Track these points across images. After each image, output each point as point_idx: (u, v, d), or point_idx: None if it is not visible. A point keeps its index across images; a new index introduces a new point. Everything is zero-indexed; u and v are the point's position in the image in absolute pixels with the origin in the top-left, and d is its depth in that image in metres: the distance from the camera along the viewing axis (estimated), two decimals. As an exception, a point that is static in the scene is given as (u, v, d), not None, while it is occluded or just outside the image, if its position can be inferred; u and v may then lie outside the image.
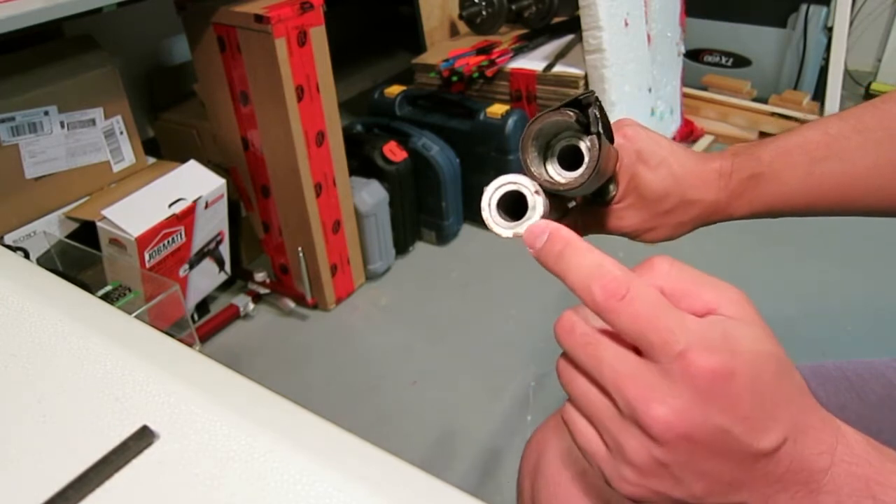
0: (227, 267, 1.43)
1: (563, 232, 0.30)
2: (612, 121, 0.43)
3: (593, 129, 0.32)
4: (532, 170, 0.34)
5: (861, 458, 0.28)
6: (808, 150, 0.46)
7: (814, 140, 0.46)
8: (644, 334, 0.27)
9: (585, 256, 0.29)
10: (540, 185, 0.34)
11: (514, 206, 0.34)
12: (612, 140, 0.40)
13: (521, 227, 0.32)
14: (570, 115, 0.33)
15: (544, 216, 0.33)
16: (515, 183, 0.33)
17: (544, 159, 0.36)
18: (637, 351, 0.28)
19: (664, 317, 0.27)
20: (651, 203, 0.46)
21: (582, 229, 0.48)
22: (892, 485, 0.28)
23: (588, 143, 0.33)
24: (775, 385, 0.27)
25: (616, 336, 0.29)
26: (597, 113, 0.32)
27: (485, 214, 0.33)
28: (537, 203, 0.32)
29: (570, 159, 0.35)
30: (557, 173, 0.35)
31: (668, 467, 0.28)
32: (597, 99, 0.33)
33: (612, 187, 0.44)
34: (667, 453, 0.27)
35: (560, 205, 0.45)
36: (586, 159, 0.33)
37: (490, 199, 0.33)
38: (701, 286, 0.29)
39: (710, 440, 0.27)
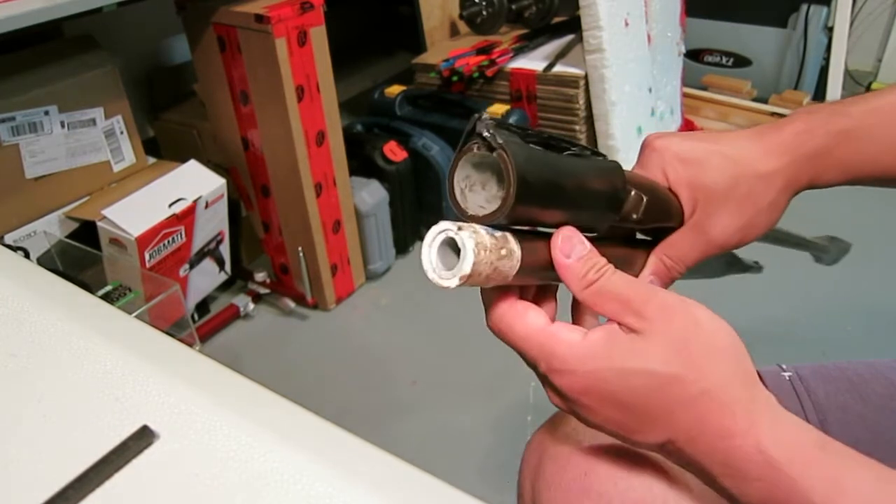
0: (227, 267, 1.43)
1: (503, 298, 0.35)
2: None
3: (495, 145, 0.31)
4: (470, 213, 0.33)
5: (764, 475, 0.30)
6: None
7: None
8: (523, 354, 0.35)
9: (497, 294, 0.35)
10: (483, 222, 0.32)
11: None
12: (594, 153, 0.37)
13: (460, 268, 0.30)
14: (473, 148, 0.32)
15: (487, 250, 0.31)
16: (443, 231, 0.31)
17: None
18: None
19: (527, 346, 0.34)
20: (725, 197, 0.41)
21: (675, 267, 0.43)
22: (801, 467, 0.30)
23: (499, 161, 0.31)
24: (648, 396, 0.31)
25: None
26: (488, 129, 0.31)
27: (430, 276, 0.31)
28: (464, 239, 0.30)
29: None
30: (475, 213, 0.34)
31: (575, 406, 0.35)
32: (481, 116, 0.31)
33: (634, 195, 0.39)
34: (572, 404, 0.35)
35: (640, 257, 0.43)
36: (506, 175, 0.30)
37: (430, 255, 0.32)
38: (655, 292, 0.34)
39: (597, 426, 0.34)
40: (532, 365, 0.35)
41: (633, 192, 0.38)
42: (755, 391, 0.32)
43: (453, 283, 0.31)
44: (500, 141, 0.30)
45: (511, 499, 0.59)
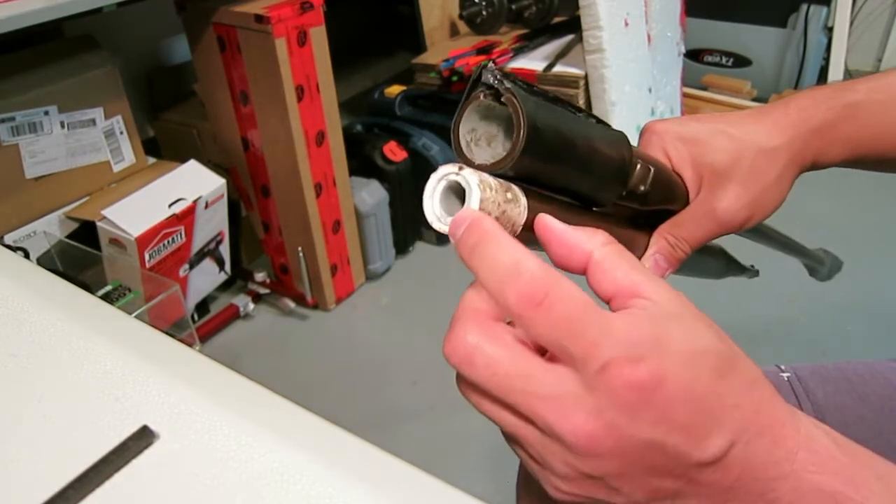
0: (227, 267, 1.43)
1: (485, 223, 0.26)
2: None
3: (501, 89, 0.29)
4: (477, 162, 0.31)
5: (827, 466, 0.26)
6: None
7: None
8: (563, 345, 0.24)
9: (502, 252, 0.25)
10: (490, 170, 0.30)
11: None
12: (599, 121, 0.36)
13: (468, 205, 0.28)
14: (479, 96, 0.30)
15: (493, 189, 0.29)
16: (442, 176, 0.30)
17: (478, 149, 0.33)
18: (543, 351, 0.26)
19: (586, 325, 0.24)
20: (730, 172, 0.40)
21: (682, 247, 0.41)
22: (861, 497, 0.25)
23: (507, 104, 0.29)
24: (715, 385, 0.25)
25: (518, 350, 0.25)
26: (495, 76, 0.29)
27: (436, 226, 0.30)
28: (467, 178, 0.28)
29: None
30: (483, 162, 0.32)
31: (601, 479, 0.26)
32: (488, 64, 0.30)
33: (640, 167, 0.37)
34: (597, 468, 0.25)
35: (636, 234, 0.42)
36: (515, 117, 0.29)
37: (433, 206, 0.30)
38: (634, 267, 0.27)
39: (644, 454, 0.24)
40: (569, 370, 0.24)
41: (639, 165, 0.37)
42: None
43: (443, 228, 0.29)
44: (508, 85, 0.29)
45: (511, 499, 0.59)
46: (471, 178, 0.29)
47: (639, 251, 0.42)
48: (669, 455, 0.25)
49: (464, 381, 0.27)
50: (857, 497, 0.25)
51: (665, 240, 0.41)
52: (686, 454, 0.24)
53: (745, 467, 0.25)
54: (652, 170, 0.37)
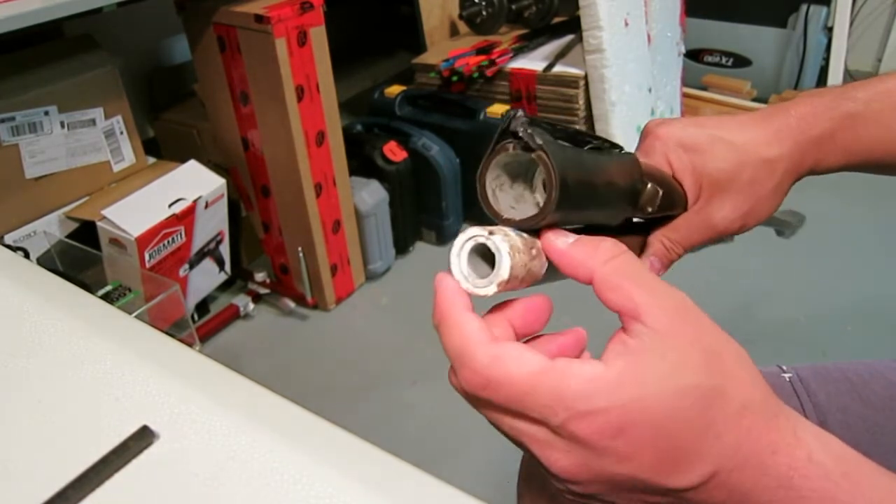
0: (227, 267, 1.43)
1: (444, 303, 0.28)
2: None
3: (534, 145, 0.29)
4: (505, 216, 0.31)
5: (824, 492, 0.26)
6: None
7: None
8: (520, 413, 0.26)
9: (452, 338, 0.28)
10: (520, 227, 0.31)
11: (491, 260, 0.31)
12: (612, 145, 0.36)
13: (497, 274, 0.29)
14: (509, 147, 0.30)
15: (522, 252, 0.30)
16: (472, 237, 0.30)
17: (534, 197, 0.33)
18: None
19: (535, 394, 0.26)
20: (729, 184, 0.40)
21: (675, 251, 0.42)
22: None
23: (538, 163, 0.30)
24: (693, 421, 0.26)
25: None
26: (528, 130, 0.29)
27: (464, 285, 0.30)
28: (497, 243, 0.29)
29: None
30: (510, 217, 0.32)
31: (591, 497, 0.28)
32: (523, 117, 0.30)
33: (650, 188, 0.38)
34: (584, 489, 0.27)
35: (634, 239, 0.42)
36: (548, 176, 0.29)
37: (460, 265, 0.30)
38: (637, 284, 0.28)
39: (621, 482, 0.27)
40: (535, 424, 0.27)
41: (649, 186, 0.38)
42: (778, 398, 0.29)
43: (490, 290, 0.29)
44: (540, 142, 0.29)
45: (511, 499, 0.59)
46: (501, 246, 0.29)
47: (635, 252, 0.41)
48: (644, 483, 0.26)
49: (481, 403, 0.28)
50: None
51: (661, 243, 0.42)
52: (660, 484, 0.26)
53: (731, 492, 0.26)
54: (660, 192, 0.38)
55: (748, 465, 0.26)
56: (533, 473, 0.54)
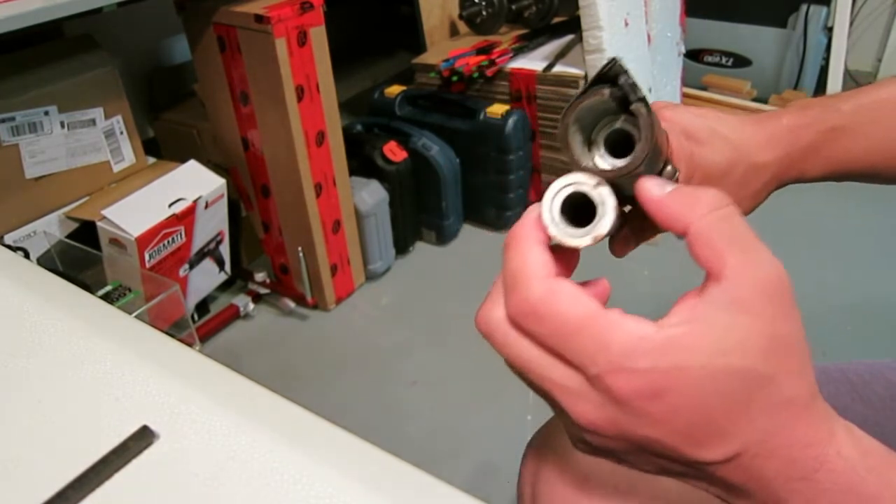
0: (227, 267, 1.43)
1: (520, 227, 0.28)
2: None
3: (633, 97, 0.28)
4: (583, 164, 0.30)
5: (849, 485, 0.26)
6: (894, 103, 0.43)
7: None
8: (560, 353, 0.26)
9: (511, 259, 0.27)
10: (596, 172, 0.29)
11: (575, 209, 0.30)
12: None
13: (597, 228, 0.28)
14: (604, 92, 0.29)
15: (616, 211, 0.29)
16: (573, 183, 0.29)
17: (590, 153, 0.32)
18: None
19: (581, 337, 0.25)
20: (719, 180, 0.41)
21: (652, 230, 0.42)
22: None
23: (635, 115, 0.28)
24: (730, 403, 0.25)
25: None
26: (630, 80, 0.28)
27: (552, 231, 0.29)
28: (604, 197, 0.28)
29: (619, 147, 0.31)
30: (611, 165, 0.31)
31: (608, 452, 0.28)
32: (618, 61, 0.29)
33: (669, 169, 0.38)
34: (604, 443, 0.27)
35: (619, 211, 0.42)
36: (641, 130, 0.28)
37: (551, 209, 0.29)
38: (733, 245, 0.26)
39: (645, 445, 0.26)
40: (570, 369, 0.26)
41: (669, 166, 0.37)
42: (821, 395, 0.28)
43: (584, 242, 0.28)
44: (642, 94, 0.28)
45: (511, 498, 0.59)
46: (608, 200, 0.28)
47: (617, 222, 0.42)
48: (669, 449, 0.26)
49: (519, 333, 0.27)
50: None
51: (640, 220, 0.42)
52: (683, 453, 0.26)
53: (751, 476, 0.26)
54: (677, 174, 0.38)
55: (775, 456, 0.26)
56: (533, 473, 0.53)
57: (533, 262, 0.27)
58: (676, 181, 0.37)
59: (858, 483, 0.26)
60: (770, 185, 0.43)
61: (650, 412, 0.25)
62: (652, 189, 0.28)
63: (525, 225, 0.28)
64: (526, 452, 0.56)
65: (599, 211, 0.28)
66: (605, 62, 0.29)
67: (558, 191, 0.29)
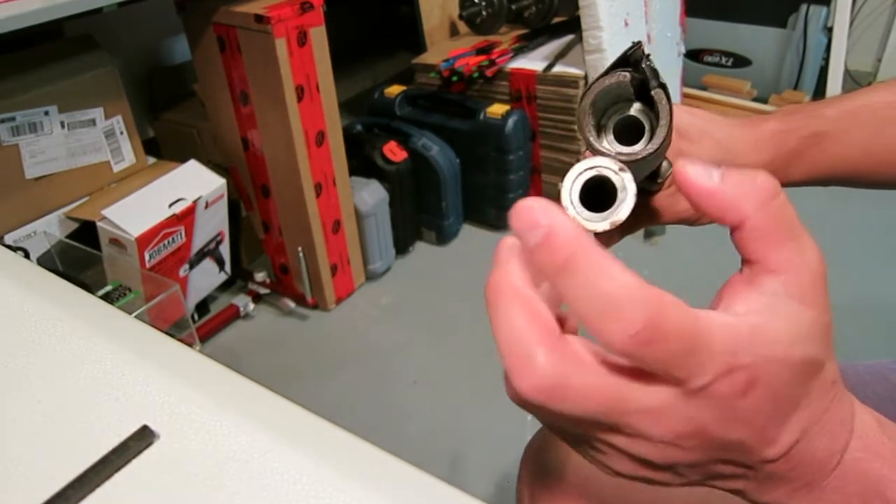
0: (227, 267, 1.43)
1: (569, 242, 0.21)
2: None
3: (654, 83, 0.28)
4: (598, 147, 0.29)
5: (875, 453, 0.26)
6: (876, 110, 0.43)
7: (883, 101, 0.43)
8: (668, 371, 0.22)
9: (595, 282, 0.21)
10: (614, 156, 0.29)
11: (592, 194, 0.29)
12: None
13: (616, 213, 0.28)
14: (625, 76, 0.28)
15: (636, 198, 0.28)
16: (596, 167, 0.28)
17: (599, 138, 0.31)
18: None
19: (692, 351, 0.22)
20: None
21: (637, 223, 0.44)
22: None
23: (653, 102, 0.28)
24: (796, 389, 0.25)
25: (603, 373, 0.23)
26: (652, 65, 0.28)
27: (570, 213, 0.28)
28: (626, 182, 0.27)
29: (625, 135, 0.30)
30: (617, 151, 0.30)
31: (671, 467, 0.26)
32: (641, 46, 0.28)
33: (666, 164, 0.37)
34: (672, 457, 0.25)
35: None
36: (661, 117, 0.28)
37: (570, 191, 0.28)
38: (789, 237, 0.25)
39: (721, 451, 0.25)
40: (664, 386, 0.23)
41: (666, 162, 0.38)
42: None
43: (602, 226, 0.27)
44: (663, 81, 0.28)
45: (510, 498, 0.59)
46: (630, 186, 0.27)
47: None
48: (744, 451, 0.25)
49: (542, 413, 0.24)
50: None
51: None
52: (757, 452, 0.25)
53: (801, 461, 0.26)
54: (671, 170, 0.37)
55: (823, 434, 0.26)
56: (532, 478, 0.53)
57: (621, 276, 0.22)
58: (669, 175, 0.38)
59: (885, 450, 0.27)
60: None
61: (743, 408, 0.23)
62: (700, 177, 0.25)
63: (573, 238, 0.22)
64: (525, 453, 0.56)
65: (620, 196, 0.28)
66: (630, 47, 0.28)
67: (580, 173, 0.28)
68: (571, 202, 0.28)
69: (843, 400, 0.27)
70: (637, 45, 0.28)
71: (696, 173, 0.25)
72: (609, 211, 0.28)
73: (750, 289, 0.25)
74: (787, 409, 0.25)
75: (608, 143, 0.31)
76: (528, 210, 0.22)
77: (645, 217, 0.43)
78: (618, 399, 0.23)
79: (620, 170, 0.28)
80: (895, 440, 0.27)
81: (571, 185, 0.28)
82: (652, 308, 0.21)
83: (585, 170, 0.28)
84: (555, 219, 0.22)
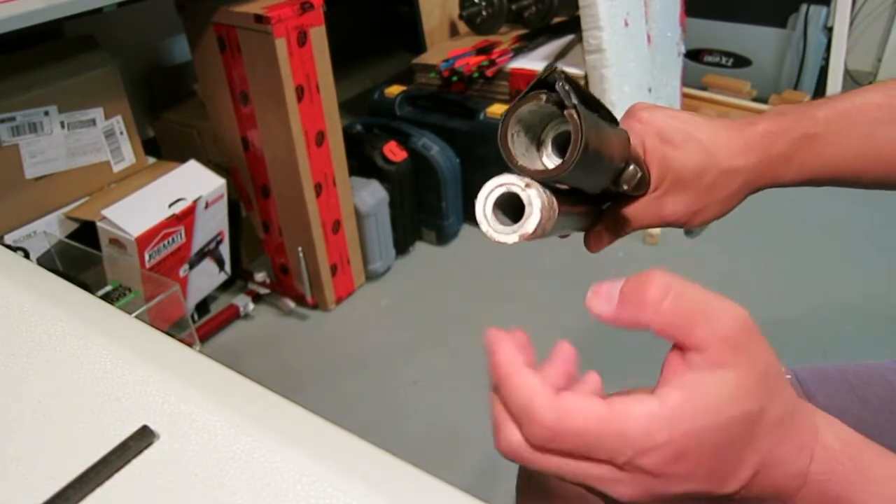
0: (227, 267, 1.43)
1: (504, 364, 0.29)
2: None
3: (567, 103, 0.30)
4: (519, 163, 0.32)
5: (837, 475, 0.29)
6: (868, 111, 0.43)
7: (874, 102, 0.43)
8: (587, 456, 0.28)
9: (515, 395, 0.29)
10: (533, 178, 0.31)
11: (514, 207, 0.32)
12: (612, 119, 0.37)
13: (523, 227, 0.30)
14: (541, 97, 0.31)
15: (547, 210, 0.31)
16: (505, 184, 0.31)
17: (538, 152, 0.34)
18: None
19: (601, 440, 0.27)
20: (689, 183, 0.43)
21: (624, 227, 0.45)
22: (860, 499, 0.29)
23: (569, 120, 0.30)
24: (738, 441, 0.28)
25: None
26: (566, 86, 0.30)
27: (483, 227, 0.31)
28: (532, 198, 0.30)
29: (567, 148, 0.32)
30: (555, 164, 0.32)
31: (666, 482, 0.30)
32: (563, 73, 0.30)
33: (632, 169, 0.39)
34: (650, 500, 0.30)
35: (593, 208, 0.43)
36: (572, 135, 0.30)
37: (484, 206, 0.31)
38: (694, 322, 0.28)
39: (680, 498, 0.29)
40: (601, 464, 0.28)
41: (631, 166, 0.39)
42: (798, 398, 0.31)
43: (511, 239, 0.30)
44: (576, 101, 0.30)
45: (510, 498, 0.59)
46: (535, 201, 0.30)
47: (590, 219, 0.44)
48: (702, 494, 0.29)
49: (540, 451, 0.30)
50: (857, 500, 0.29)
51: (614, 218, 0.45)
52: (713, 492, 0.29)
53: (763, 487, 0.30)
54: (639, 174, 0.39)
55: (779, 465, 0.29)
56: (532, 475, 0.54)
57: (532, 391, 0.29)
58: (640, 180, 0.40)
59: (840, 470, 0.30)
60: (742, 190, 0.44)
61: (678, 473, 0.28)
62: (601, 309, 0.30)
63: (506, 360, 0.30)
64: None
65: (527, 211, 0.30)
66: (546, 69, 0.31)
67: (491, 190, 0.31)
68: (485, 217, 0.31)
69: (800, 429, 0.30)
70: (552, 68, 0.31)
71: (596, 307, 0.30)
72: (518, 224, 0.30)
73: (682, 365, 0.29)
74: (732, 458, 0.28)
75: (547, 156, 0.34)
76: (486, 335, 0.30)
77: (636, 221, 0.44)
78: (575, 472, 0.29)
79: (527, 185, 0.30)
80: (854, 460, 0.30)
81: (485, 201, 0.31)
82: (550, 414, 0.28)
83: (496, 187, 0.31)
84: (496, 346, 0.30)
